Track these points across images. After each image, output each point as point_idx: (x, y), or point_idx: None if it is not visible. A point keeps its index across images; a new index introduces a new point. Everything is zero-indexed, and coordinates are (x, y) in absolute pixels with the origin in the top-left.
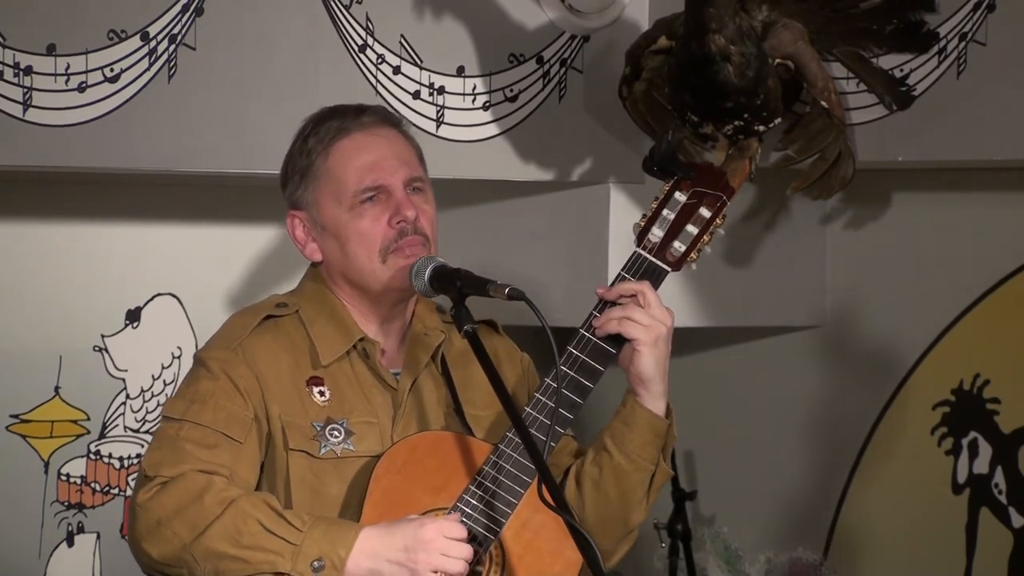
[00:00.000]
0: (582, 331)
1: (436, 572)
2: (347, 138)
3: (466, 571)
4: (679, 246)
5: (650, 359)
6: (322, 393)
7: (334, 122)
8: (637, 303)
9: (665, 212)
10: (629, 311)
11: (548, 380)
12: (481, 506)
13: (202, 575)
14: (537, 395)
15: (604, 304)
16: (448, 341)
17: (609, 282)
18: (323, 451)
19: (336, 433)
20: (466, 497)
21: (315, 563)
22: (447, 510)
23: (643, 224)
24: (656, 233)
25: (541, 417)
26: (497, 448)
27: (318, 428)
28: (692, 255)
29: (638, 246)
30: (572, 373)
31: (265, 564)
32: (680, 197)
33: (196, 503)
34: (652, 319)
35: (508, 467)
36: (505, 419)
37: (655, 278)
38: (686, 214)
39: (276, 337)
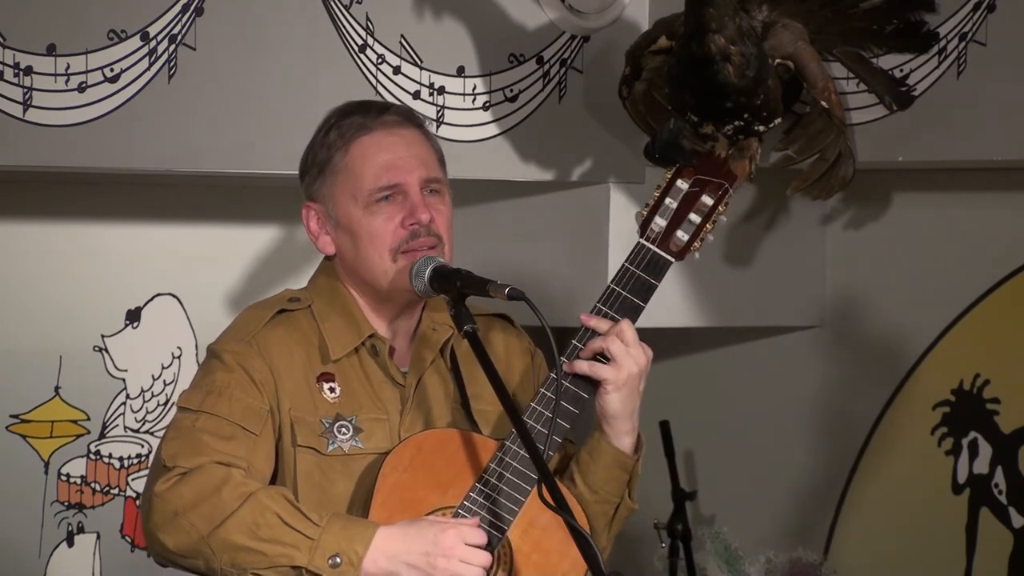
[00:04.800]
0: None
1: None
2: (368, 135)
3: None
4: (682, 235)
5: (615, 398)
6: (332, 389)
7: (357, 118)
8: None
9: (668, 201)
10: (608, 342)
11: (552, 375)
12: (488, 504)
13: (218, 566)
14: (542, 390)
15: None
16: (457, 336)
17: (610, 277)
18: (331, 448)
19: (344, 430)
20: (472, 495)
21: (332, 559)
22: (454, 508)
23: (645, 214)
24: (659, 223)
25: (547, 413)
26: (503, 445)
27: (327, 425)
28: (695, 244)
29: (641, 236)
30: (567, 384)
31: (282, 557)
32: (682, 185)
33: (214, 495)
34: (627, 356)
35: (515, 464)
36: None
37: (659, 269)
38: (689, 202)
39: (289, 331)
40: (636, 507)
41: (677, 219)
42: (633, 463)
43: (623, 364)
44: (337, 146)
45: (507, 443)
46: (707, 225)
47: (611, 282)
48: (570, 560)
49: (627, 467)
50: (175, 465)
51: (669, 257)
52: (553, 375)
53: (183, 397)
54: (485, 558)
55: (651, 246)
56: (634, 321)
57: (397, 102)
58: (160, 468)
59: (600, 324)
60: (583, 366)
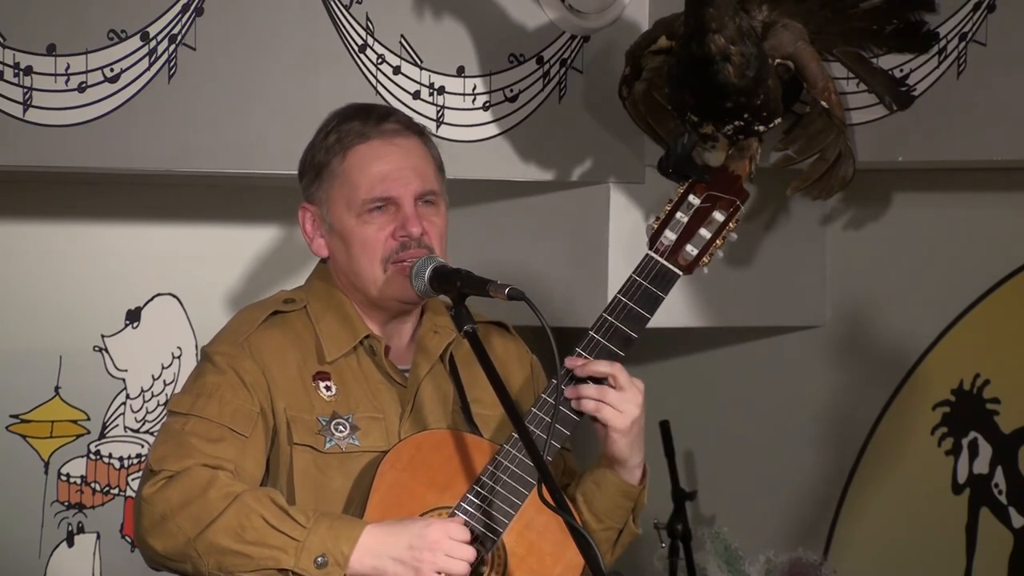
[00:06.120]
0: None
1: (439, 573)
2: (365, 144)
3: (468, 572)
4: (691, 250)
5: (623, 443)
6: (328, 388)
7: (356, 124)
8: (609, 385)
9: (678, 215)
10: (603, 394)
11: (553, 380)
12: (485, 506)
13: (205, 569)
14: (543, 396)
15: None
16: (458, 340)
17: (611, 284)
18: (328, 446)
19: (341, 428)
20: (470, 497)
21: (318, 559)
22: (451, 509)
23: (656, 226)
24: (669, 236)
25: (547, 418)
26: (502, 448)
27: (323, 423)
28: (704, 259)
29: (650, 248)
30: (564, 391)
31: (268, 560)
32: (694, 200)
33: (200, 498)
34: (625, 402)
35: (512, 468)
36: None
37: (667, 282)
38: (700, 217)
39: (283, 332)
40: (639, 532)
41: (687, 233)
42: (639, 492)
43: (624, 411)
44: (335, 151)
45: (506, 446)
46: (717, 241)
47: (618, 292)
48: (564, 563)
49: (632, 496)
50: (162, 468)
51: (677, 270)
52: (554, 381)
53: (174, 400)
54: (470, 552)
55: (659, 259)
56: (640, 332)
57: (397, 102)
58: (148, 472)
59: (589, 369)
60: (589, 405)
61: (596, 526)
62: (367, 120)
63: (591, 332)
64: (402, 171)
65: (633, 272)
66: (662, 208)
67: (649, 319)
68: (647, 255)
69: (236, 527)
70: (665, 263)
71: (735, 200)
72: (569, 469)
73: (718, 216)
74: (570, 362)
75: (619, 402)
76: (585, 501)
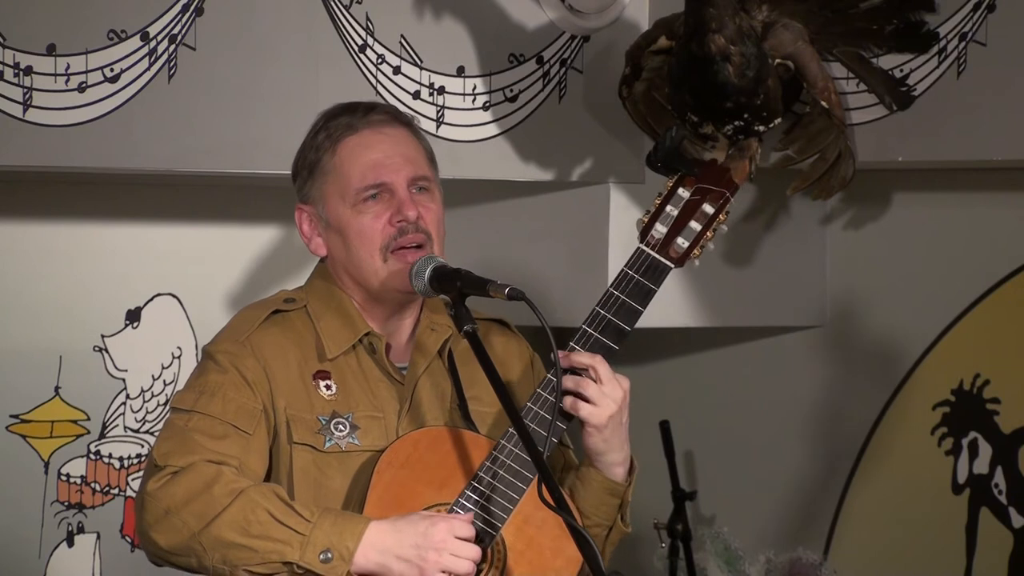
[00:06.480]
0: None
1: (444, 572)
2: (354, 135)
3: (474, 571)
4: (682, 242)
5: (598, 438)
6: (328, 387)
7: (344, 118)
8: (590, 377)
9: (668, 208)
10: (583, 385)
11: (549, 375)
12: (483, 502)
13: (210, 564)
14: (538, 391)
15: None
16: (455, 337)
17: (610, 278)
18: (328, 445)
19: (341, 427)
20: (468, 493)
21: (323, 554)
22: (449, 506)
23: (646, 220)
24: (659, 229)
25: (542, 412)
26: (499, 444)
27: (323, 422)
28: (695, 251)
29: (641, 242)
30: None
31: (273, 553)
32: (684, 193)
33: (205, 493)
34: (603, 396)
35: (510, 463)
36: None
37: (658, 275)
38: (690, 210)
39: (284, 331)
40: (629, 530)
41: (677, 226)
42: (624, 489)
43: (601, 405)
44: (325, 147)
45: (503, 441)
46: (707, 233)
47: (610, 286)
48: (564, 557)
49: (617, 493)
50: (167, 464)
51: (668, 263)
52: (550, 376)
53: (176, 398)
54: (475, 551)
55: (651, 252)
56: (632, 324)
57: (397, 102)
58: (152, 467)
59: (570, 360)
60: (567, 401)
61: (584, 523)
62: (354, 113)
63: (583, 326)
64: (393, 158)
65: (625, 265)
66: (651, 197)
67: (642, 312)
68: (638, 248)
69: (241, 521)
70: (656, 256)
71: (724, 192)
72: (569, 465)
73: (708, 209)
74: (560, 355)
75: (597, 396)
76: (572, 497)
